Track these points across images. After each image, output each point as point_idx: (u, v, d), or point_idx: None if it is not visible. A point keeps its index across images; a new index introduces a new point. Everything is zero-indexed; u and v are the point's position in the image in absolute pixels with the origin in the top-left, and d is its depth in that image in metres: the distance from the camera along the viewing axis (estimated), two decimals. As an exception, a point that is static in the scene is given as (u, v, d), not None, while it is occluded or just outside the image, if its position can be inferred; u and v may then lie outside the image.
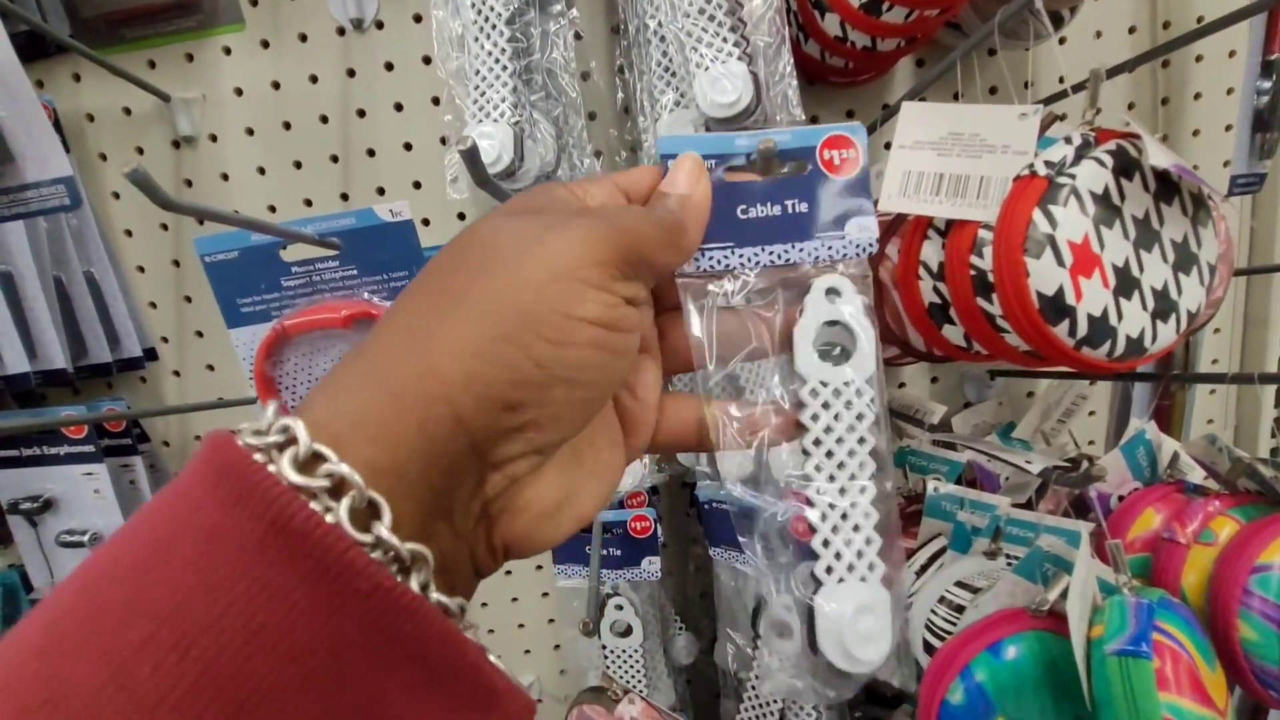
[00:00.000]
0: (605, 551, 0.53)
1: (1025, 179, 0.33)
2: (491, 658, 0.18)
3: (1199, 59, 0.67)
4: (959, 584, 0.49)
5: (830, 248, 0.25)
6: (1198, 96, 0.68)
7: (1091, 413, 0.75)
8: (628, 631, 0.58)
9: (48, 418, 0.54)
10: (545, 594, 0.76)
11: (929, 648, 0.49)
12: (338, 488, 0.16)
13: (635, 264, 0.21)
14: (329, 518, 0.15)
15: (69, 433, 0.57)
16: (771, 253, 0.25)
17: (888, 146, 0.64)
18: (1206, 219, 0.34)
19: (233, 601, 0.14)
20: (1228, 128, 0.68)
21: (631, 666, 0.59)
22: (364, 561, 0.15)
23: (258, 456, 0.15)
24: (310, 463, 0.16)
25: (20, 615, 0.63)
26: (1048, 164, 0.33)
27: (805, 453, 0.25)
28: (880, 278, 0.46)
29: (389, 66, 0.61)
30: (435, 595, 0.17)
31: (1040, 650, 0.39)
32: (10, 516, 0.59)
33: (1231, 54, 0.68)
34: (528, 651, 0.78)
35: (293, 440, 0.16)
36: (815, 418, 0.25)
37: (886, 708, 0.74)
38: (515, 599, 0.76)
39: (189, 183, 0.64)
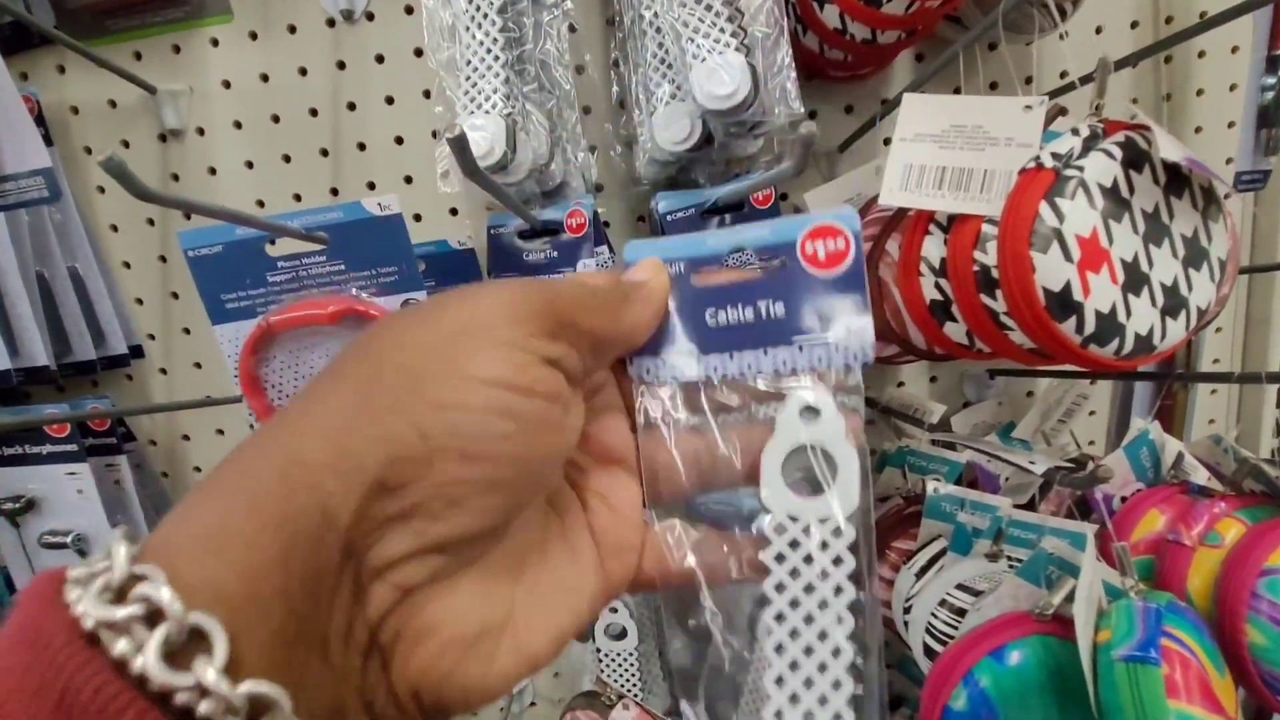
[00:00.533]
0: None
1: (1031, 171, 0.32)
2: None
3: (1201, 54, 0.67)
4: (960, 586, 0.48)
5: (812, 356, 0.22)
6: (1200, 92, 0.67)
7: (1092, 413, 0.75)
8: (622, 634, 0.57)
9: (29, 416, 0.52)
10: (539, 596, 0.75)
11: (929, 651, 0.48)
12: (153, 617, 0.12)
13: (562, 325, 0.17)
14: (139, 661, 0.12)
15: (51, 431, 0.55)
16: (741, 361, 0.22)
17: (887, 142, 0.64)
18: (1217, 213, 0.33)
19: None
20: (1230, 124, 0.67)
21: (626, 670, 0.58)
22: None
23: (72, 595, 0.12)
24: (127, 587, 0.13)
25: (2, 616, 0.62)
26: (1055, 156, 0.32)
27: (766, 600, 0.20)
28: (880, 274, 0.45)
29: (380, 59, 0.60)
30: None
31: (1045, 655, 0.38)
32: (-9, 517, 0.58)
33: (1234, 49, 0.67)
34: (521, 654, 0.77)
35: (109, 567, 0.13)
36: (780, 558, 0.21)
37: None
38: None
39: (176, 177, 0.63)
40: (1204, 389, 0.73)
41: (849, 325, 0.21)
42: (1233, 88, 0.67)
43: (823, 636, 0.20)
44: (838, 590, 0.20)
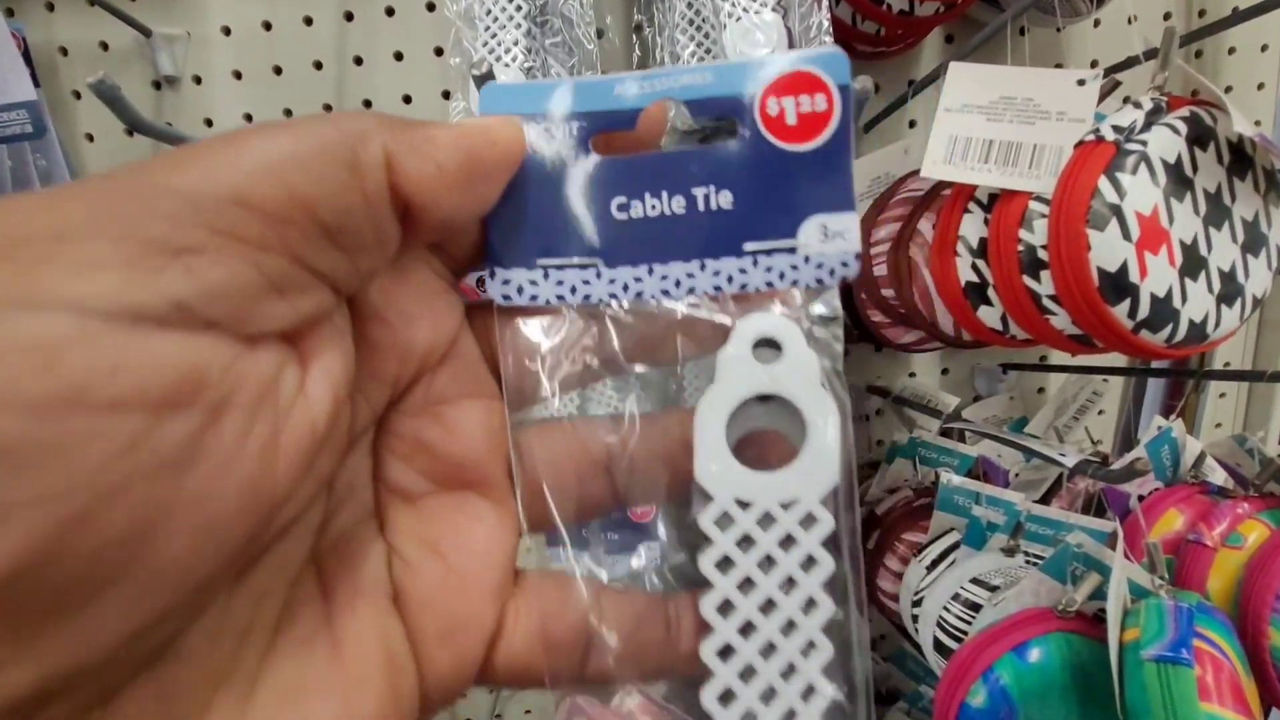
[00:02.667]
0: (603, 535, 0.51)
1: (1090, 144, 0.31)
2: None
3: (1232, 50, 0.65)
4: (975, 581, 0.47)
5: (770, 269, 0.15)
6: (1229, 90, 0.66)
7: (1101, 411, 0.74)
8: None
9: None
10: (533, 577, 0.73)
11: (940, 646, 0.47)
12: None
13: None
14: None
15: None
16: (664, 277, 0.15)
17: (913, 124, 0.62)
18: (1278, 199, 0.32)
19: None
20: (1257, 122, 0.66)
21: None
22: None
23: None
24: None
25: None
26: (1116, 129, 0.30)
27: (705, 629, 0.14)
28: (910, 255, 0.43)
29: (389, 11, 0.58)
30: None
31: (1068, 653, 0.37)
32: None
33: (1264, 48, 0.66)
34: (512, 636, 0.75)
35: None
36: (726, 564, 0.14)
37: (880, 704, 0.73)
38: (501, 581, 0.73)
39: (169, 126, 0.60)
40: (1213, 393, 0.72)
41: (826, 225, 0.14)
42: (1260, 87, 0.66)
43: (789, 672, 0.14)
44: (809, 605, 0.14)
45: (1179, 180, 0.30)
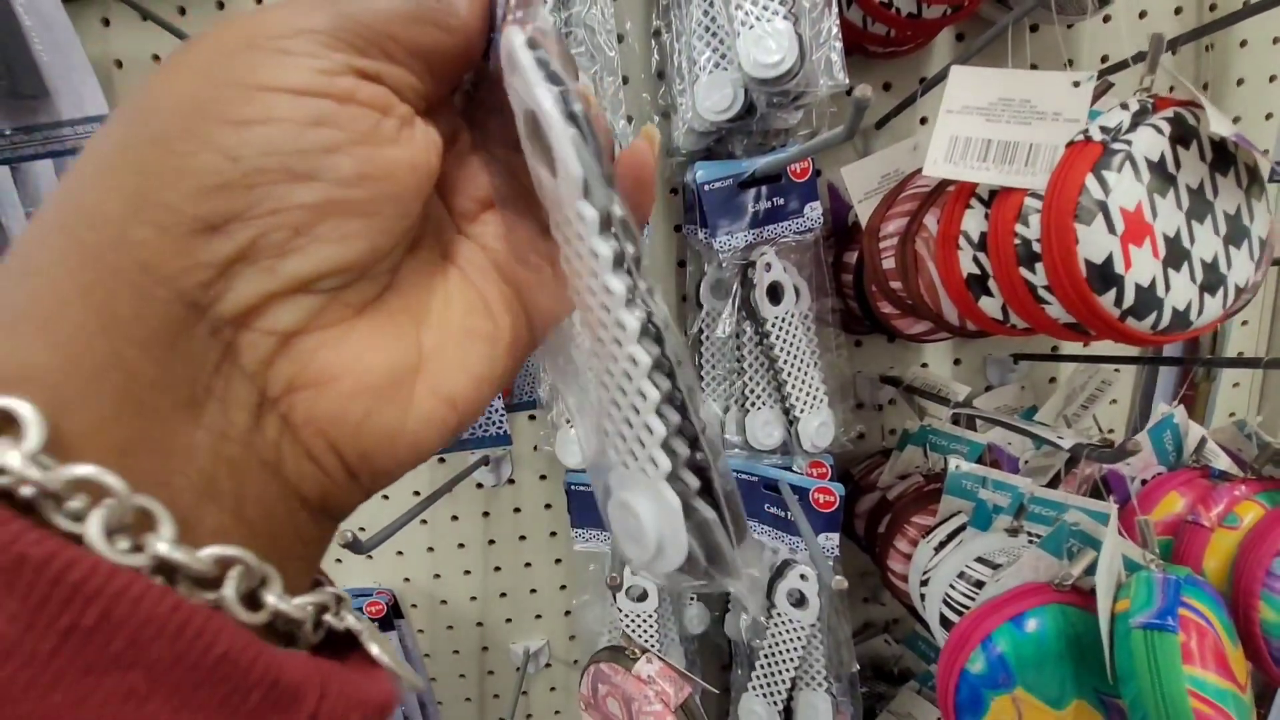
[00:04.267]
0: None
1: (1079, 144, 0.33)
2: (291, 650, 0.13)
3: (1243, 44, 0.66)
4: (979, 560, 0.49)
5: None
6: (1240, 82, 0.66)
7: (1113, 401, 0.75)
8: (644, 597, 0.58)
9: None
10: (558, 560, 0.76)
11: (946, 622, 0.49)
12: None
13: (372, 39, 0.15)
14: None
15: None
16: None
17: (924, 121, 0.64)
18: (1260, 192, 0.33)
19: None
20: (1269, 116, 0.67)
21: (645, 630, 0.59)
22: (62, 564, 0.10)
23: None
24: None
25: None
26: (1103, 129, 0.32)
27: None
28: (916, 248, 0.45)
29: (421, 21, 0.61)
30: (166, 548, 0.12)
31: (1063, 623, 0.39)
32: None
33: (1276, 40, 0.66)
34: (538, 616, 0.79)
35: None
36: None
37: (892, 684, 0.75)
38: (529, 564, 0.76)
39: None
40: (1226, 383, 0.73)
41: None
42: (1273, 78, 0.67)
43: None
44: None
45: (1162, 177, 0.32)
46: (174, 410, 0.13)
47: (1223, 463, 0.52)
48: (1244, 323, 0.72)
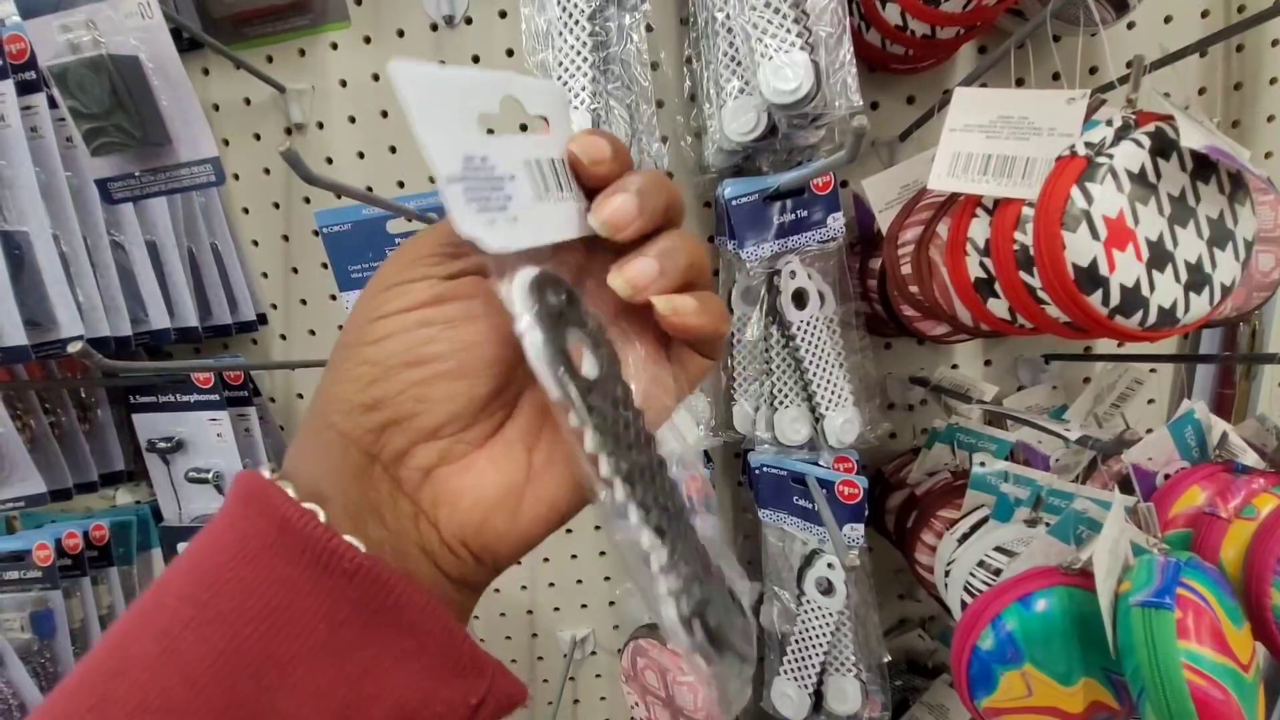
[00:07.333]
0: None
1: (1066, 159, 0.36)
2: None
3: (1275, 43, 0.66)
4: (998, 549, 0.51)
5: None
6: (1273, 81, 0.67)
7: (1151, 401, 0.75)
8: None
9: (182, 363, 0.62)
10: (603, 553, 0.81)
11: (966, 607, 0.52)
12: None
13: (460, 245, 0.20)
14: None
15: (198, 382, 0.65)
16: None
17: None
18: (1244, 197, 0.36)
19: (255, 587, 0.18)
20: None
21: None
22: (343, 546, 0.18)
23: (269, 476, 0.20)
24: None
25: (151, 543, 0.73)
26: (1088, 145, 0.35)
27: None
28: (930, 255, 0.49)
29: (475, 59, 0.67)
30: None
31: (1070, 604, 0.41)
32: (147, 455, 0.69)
33: (1311, 38, 0.66)
34: (584, 606, 0.84)
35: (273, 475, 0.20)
36: None
37: (926, 677, 0.77)
38: (574, 555, 0.81)
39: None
40: (1270, 381, 0.73)
41: None
42: (1307, 76, 0.67)
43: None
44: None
45: (1144, 186, 0.34)
46: (370, 516, 0.20)
47: (1250, 458, 0.52)
48: (1286, 321, 0.72)
